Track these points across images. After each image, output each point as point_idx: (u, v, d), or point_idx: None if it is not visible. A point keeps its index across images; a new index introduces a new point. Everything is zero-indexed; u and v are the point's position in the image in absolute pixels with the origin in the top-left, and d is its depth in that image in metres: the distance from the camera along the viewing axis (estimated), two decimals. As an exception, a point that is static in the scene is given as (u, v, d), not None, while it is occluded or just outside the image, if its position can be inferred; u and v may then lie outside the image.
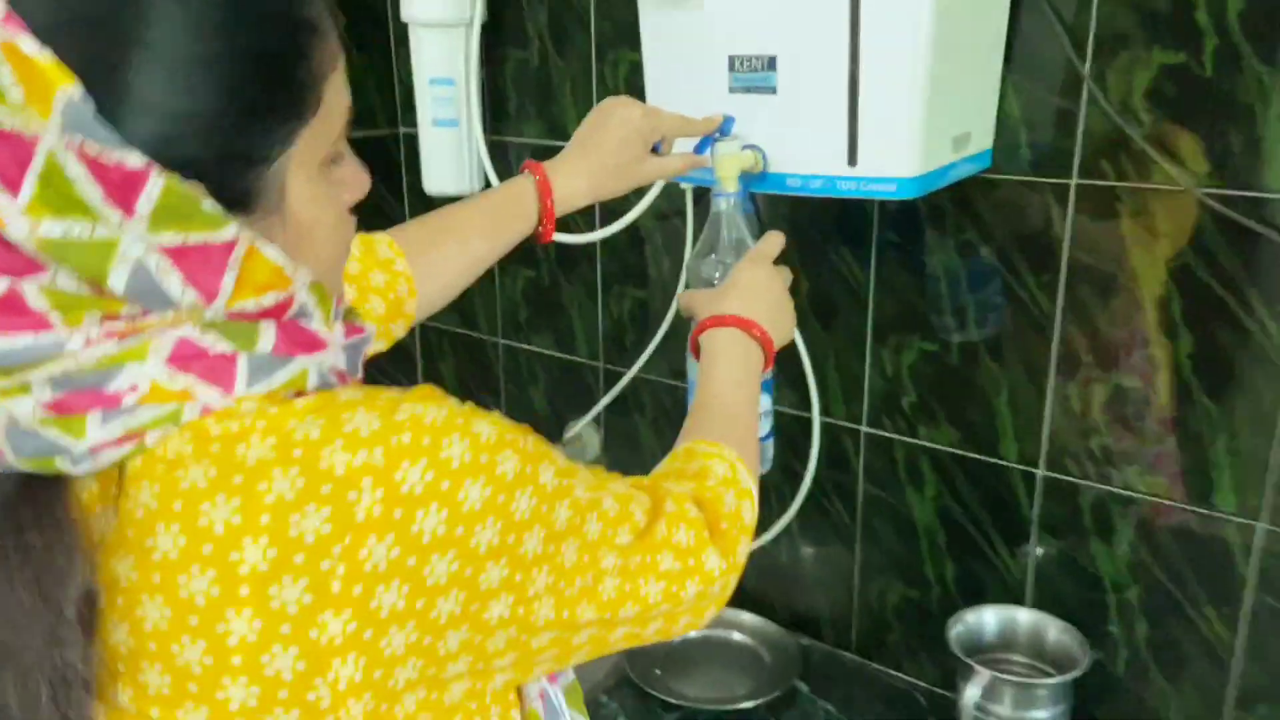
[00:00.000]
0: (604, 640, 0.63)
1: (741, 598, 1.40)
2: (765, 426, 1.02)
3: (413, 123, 1.46)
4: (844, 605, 1.34)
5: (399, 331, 0.90)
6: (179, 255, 0.46)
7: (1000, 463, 1.17)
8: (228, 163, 0.48)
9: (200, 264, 0.47)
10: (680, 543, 0.66)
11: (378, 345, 0.87)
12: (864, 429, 1.26)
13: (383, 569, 0.48)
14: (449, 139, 1.41)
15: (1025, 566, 1.18)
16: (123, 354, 0.47)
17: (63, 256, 0.44)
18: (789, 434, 1.32)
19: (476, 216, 0.92)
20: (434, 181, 1.45)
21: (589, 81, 1.36)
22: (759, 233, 0.98)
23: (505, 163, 1.47)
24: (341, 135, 0.54)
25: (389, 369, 1.67)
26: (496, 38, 1.42)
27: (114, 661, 0.49)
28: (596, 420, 1.51)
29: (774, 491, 1.36)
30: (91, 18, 0.43)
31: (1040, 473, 1.14)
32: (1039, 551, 1.16)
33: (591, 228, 1.39)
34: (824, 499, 1.32)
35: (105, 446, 0.47)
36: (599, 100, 1.06)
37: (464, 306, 1.62)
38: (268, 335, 0.50)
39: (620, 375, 1.45)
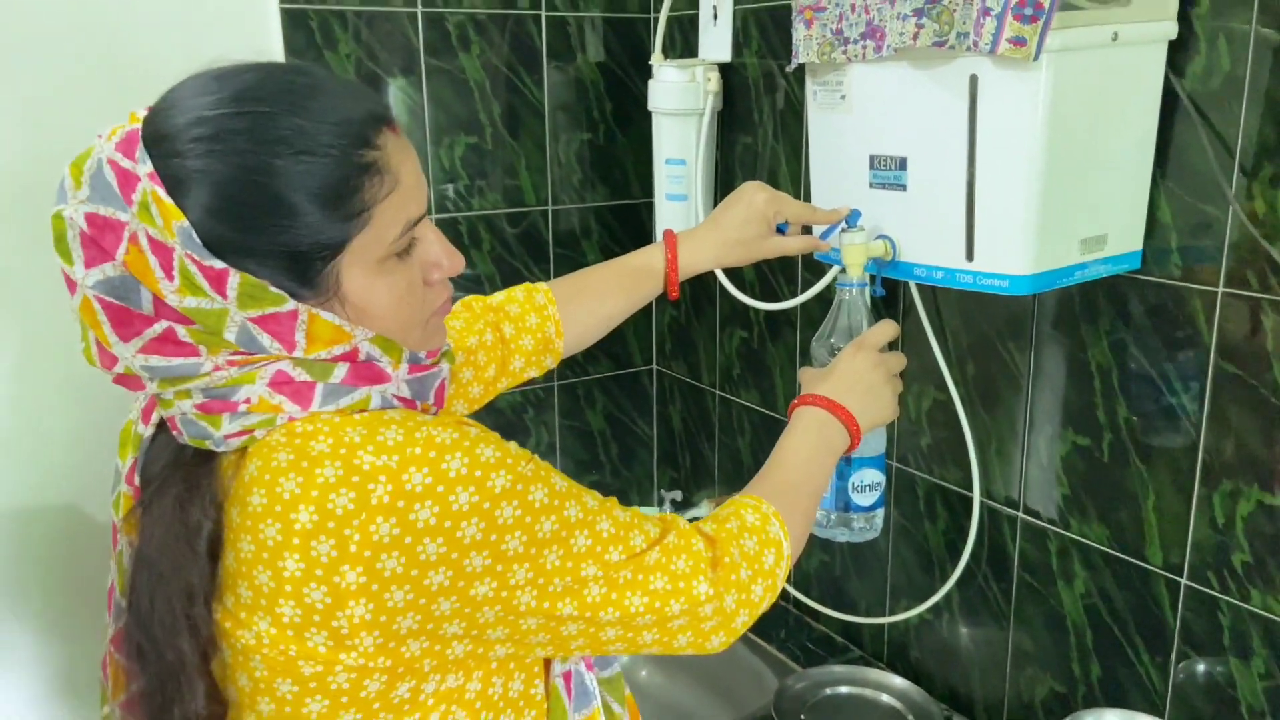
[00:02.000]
0: (596, 639, 0.77)
1: (899, 663, 1.46)
2: (874, 498, 1.11)
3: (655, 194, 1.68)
4: (998, 688, 1.35)
5: (549, 363, 1.11)
6: (262, 322, 0.69)
7: (1146, 566, 1.14)
8: (291, 270, 0.69)
9: (277, 327, 0.70)
10: (675, 569, 0.79)
11: (530, 372, 1.09)
12: (1021, 515, 1.28)
13: (386, 541, 0.67)
14: (679, 211, 1.61)
15: (1167, 676, 1.14)
16: (241, 378, 0.71)
17: (199, 318, 0.68)
18: (952, 509, 1.36)
19: (614, 277, 1.13)
20: (665, 247, 1.65)
21: (799, 163, 1.50)
22: (878, 318, 1.08)
23: (730, 234, 1.64)
24: (403, 237, 0.73)
25: (627, 406, 1.89)
26: (729, 124, 1.61)
27: (225, 577, 0.72)
28: (790, 475, 1.63)
29: (937, 566, 1.40)
30: (200, 177, 0.67)
31: (1184, 582, 1.11)
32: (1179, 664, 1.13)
33: (794, 294, 1.52)
34: (981, 580, 1.34)
35: (232, 436, 0.71)
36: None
37: (691, 359, 1.81)
38: (339, 372, 0.72)
39: (811, 435, 1.55)
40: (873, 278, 1.12)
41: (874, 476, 1.11)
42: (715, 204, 1.64)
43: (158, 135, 0.69)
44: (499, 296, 1.10)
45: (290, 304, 0.70)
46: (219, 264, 0.68)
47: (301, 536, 0.67)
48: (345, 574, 0.67)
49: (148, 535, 0.73)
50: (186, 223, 0.67)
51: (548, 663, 0.84)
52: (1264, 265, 0.99)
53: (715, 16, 1.57)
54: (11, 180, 1.35)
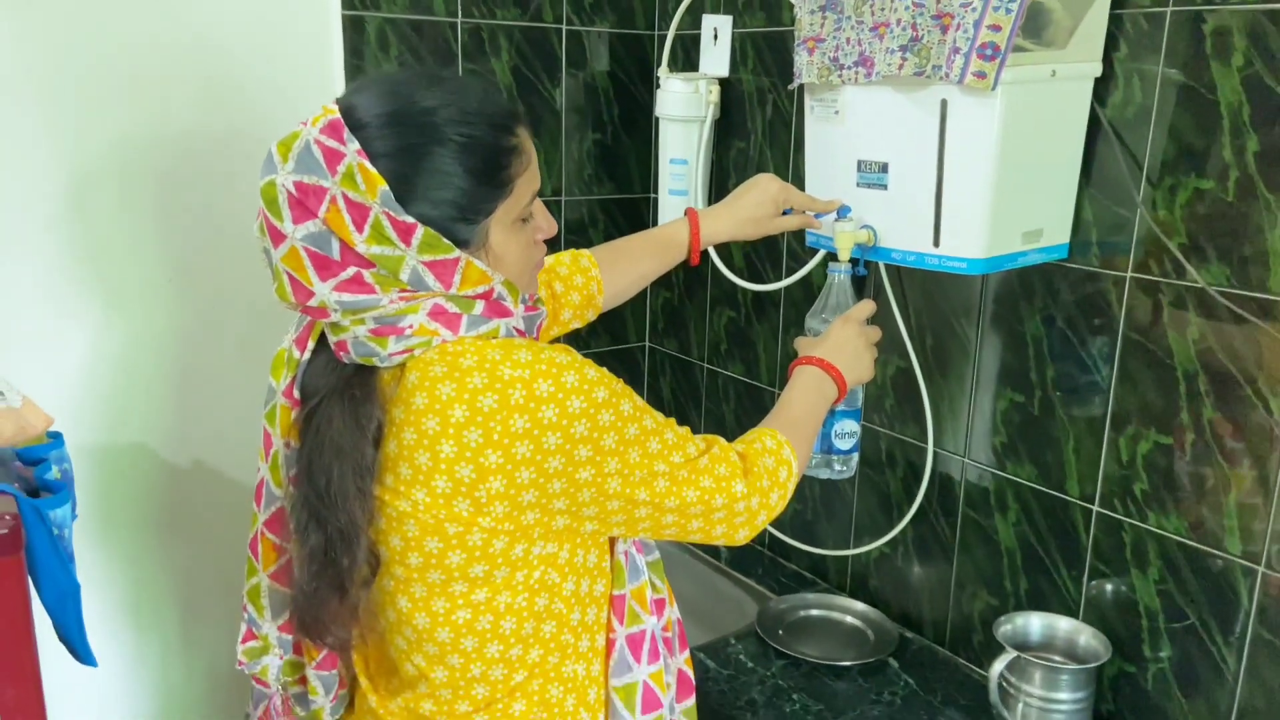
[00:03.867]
0: (658, 522, 1.01)
1: (860, 592, 1.72)
2: (851, 443, 1.37)
3: (658, 190, 1.92)
4: (943, 607, 1.63)
5: (590, 316, 1.36)
6: (431, 265, 0.92)
7: (1066, 498, 1.42)
8: (458, 224, 0.93)
9: (441, 270, 0.92)
10: (718, 472, 1.03)
11: (575, 324, 1.34)
12: (966, 460, 1.56)
13: (519, 432, 0.89)
14: (680, 205, 1.86)
15: (1081, 587, 1.42)
16: (407, 309, 0.93)
17: (381, 263, 0.91)
18: (908, 460, 1.63)
19: (648, 245, 1.38)
20: (665, 235, 1.90)
21: (788, 167, 1.76)
22: (860, 298, 1.35)
23: (722, 225, 1.90)
24: (530, 205, 0.99)
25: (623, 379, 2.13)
26: (726, 131, 1.86)
27: (385, 460, 0.94)
28: (768, 434, 1.89)
29: (895, 507, 1.67)
30: (396, 153, 0.90)
31: (1095, 509, 1.39)
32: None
33: (779, 278, 1.78)
34: (932, 517, 1.62)
35: (396, 354, 0.93)
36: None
37: (682, 336, 2.06)
38: (479, 307, 0.95)
39: (789, 400, 1.82)
40: (855, 261, 1.38)
41: (853, 426, 1.37)
42: (710, 200, 1.90)
43: (357, 123, 0.91)
44: (550, 259, 1.34)
45: (456, 253, 0.93)
46: (410, 219, 0.90)
47: (456, 427, 0.90)
48: (488, 455, 0.90)
49: (324, 426, 0.94)
50: (387, 187, 0.89)
51: (612, 544, 1.07)
52: (1164, 256, 1.27)
53: (715, 37, 1.82)
54: (108, 164, 1.54)
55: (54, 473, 1.25)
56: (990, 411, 1.51)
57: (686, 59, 1.91)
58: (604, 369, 0.97)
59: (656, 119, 1.86)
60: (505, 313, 0.97)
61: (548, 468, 0.92)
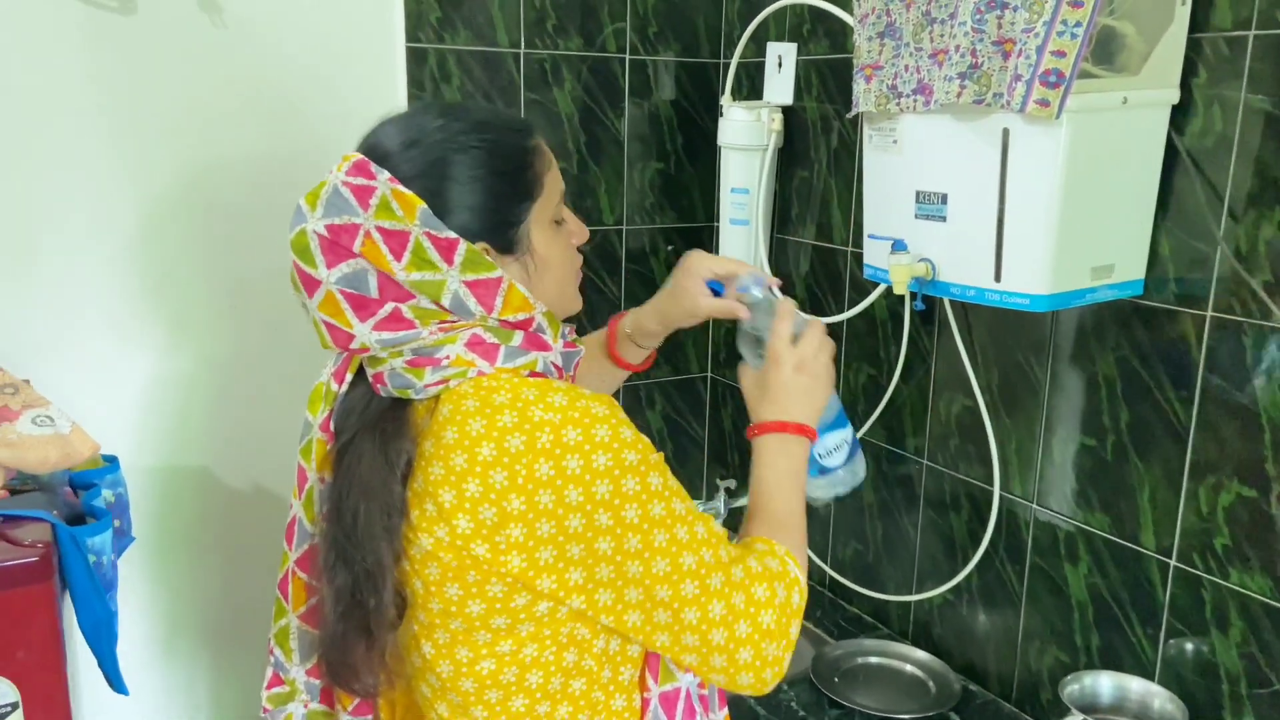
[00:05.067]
0: (678, 640, 0.90)
1: (922, 640, 1.64)
2: (843, 454, 1.16)
3: (720, 219, 1.89)
4: (1009, 660, 1.54)
5: None
6: (473, 286, 0.90)
7: (1141, 550, 1.33)
8: (499, 229, 0.92)
9: (484, 292, 0.90)
10: (755, 594, 0.91)
11: None
12: (1034, 506, 1.48)
13: (544, 480, 0.84)
14: (741, 234, 1.83)
15: (1157, 645, 1.33)
16: (445, 340, 0.91)
17: (421, 289, 0.89)
18: (973, 502, 1.56)
19: (590, 363, 1.26)
20: (726, 265, 1.87)
21: (851, 196, 1.71)
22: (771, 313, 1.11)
23: (785, 256, 1.86)
24: (560, 205, 0.97)
25: (684, 409, 2.10)
26: (789, 160, 1.82)
27: (413, 495, 0.91)
28: (830, 472, 1.83)
29: (959, 552, 1.60)
30: (425, 172, 0.89)
31: (1173, 563, 1.30)
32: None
33: (841, 310, 1.73)
34: (999, 564, 1.54)
35: (431, 385, 0.91)
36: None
37: (744, 366, 2.01)
38: (518, 337, 0.92)
39: (851, 436, 1.76)
40: (915, 295, 1.32)
41: (838, 438, 1.16)
42: (773, 229, 1.86)
43: (382, 155, 0.90)
44: None
45: (498, 272, 0.91)
46: (451, 234, 0.88)
47: (483, 466, 0.85)
48: (511, 500, 0.84)
49: (354, 463, 0.92)
50: (425, 206, 0.88)
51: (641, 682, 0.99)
52: (1246, 294, 1.19)
53: (780, 65, 1.79)
54: (176, 194, 1.58)
55: (105, 498, 1.27)
56: (1061, 455, 1.43)
57: (751, 87, 1.88)
58: (644, 437, 0.92)
59: (719, 147, 1.83)
60: (544, 346, 0.95)
61: (568, 526, 0.85)
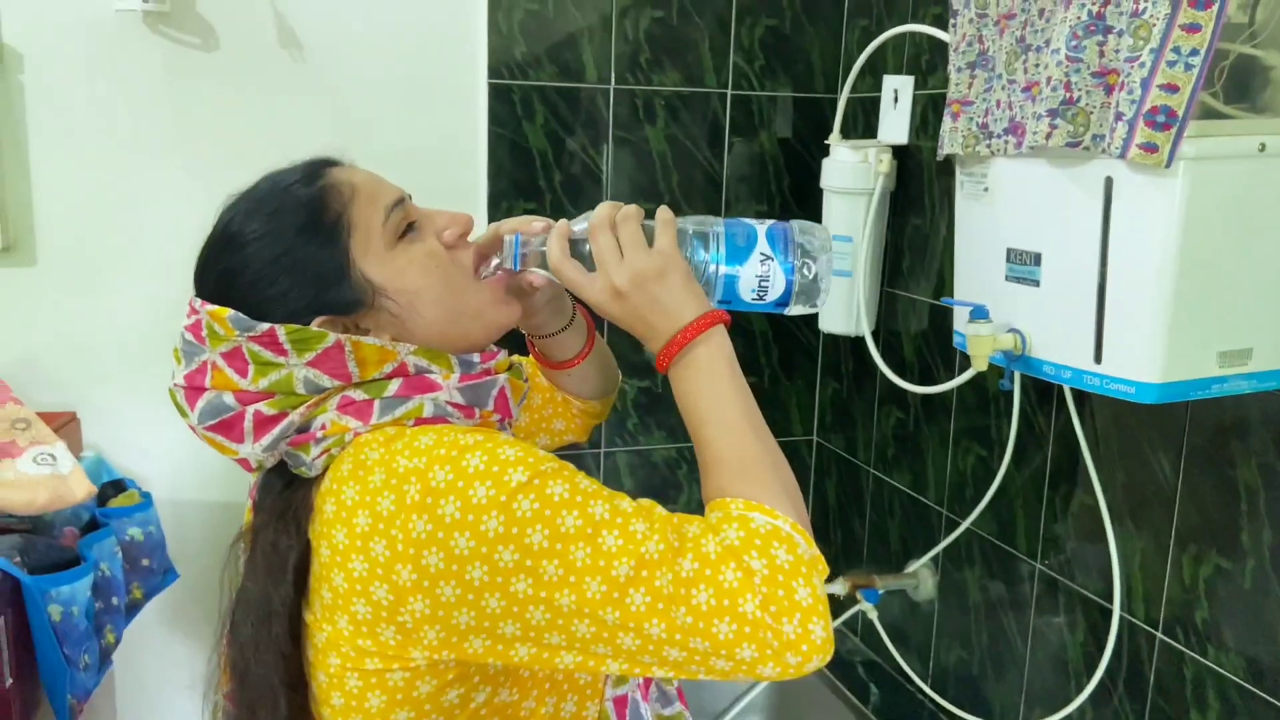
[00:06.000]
0: (664, 661, 0.72)
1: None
2: (782, 275, 0.86)
3: (824, 270, 1.71)
4: (1123, 818, 1.27)
5: (585, 420, 1.12)
6: (317, 363, 0.79)
7: (1289, 710, 1.05)
8: (327, 292, 0.80)
9: (330, 365, 0.79)
10: (723, 582, 0.71)
11: (570, 436, 1.11)
12: (1160, 635, 1.21)
13: (424, 538, 0.71)
14: (843, 287, 1.64)
15: (1305, 837, 1.04)
16: (317, 411, 0.80)
17: (277, 388, 0.79)
18: (1091, 620, 1.30)
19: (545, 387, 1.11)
20: (827, 321, 1.68)
21: (965, 252, 1.49)
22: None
23: (894, 313, 1.65)
24: (394, 217, 0.83)
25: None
26: (902, 205, 1.62)
27: (313, 582, 0.79)
28: (934, 562, 1.60)
29: (1073, 677, 1.34)
30: (220, 281, 0.81)
31: (1329, 734, 1.01)
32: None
33: (951, 377, 1.51)
34: (1117, 700, 1.27)
35: (317, 458, 0.80)
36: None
37: (849, 434, 1.81)
38: (393, 386, 0.80)
39: (957, 524, 1.53)
40: (1006, 374, 1.11)
41: (753, 267, 0.86)
42: (883, 282, 1.66)
43: (196, 282, 0.84)
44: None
45: (331, 337, 0.79)
46: (265, 325, 0.79)
47: (362, 539, 0.73)
48: (399, 571, 0.72)
49: (250, 562, 0.83)
50: (232, 312, 0.79)
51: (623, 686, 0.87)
52: None
53: (895, 100, 1.60)
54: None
55: (131, 536, 1.24)
56: (1192, 577, 1.16)
57: (866, 124, 1.70)
58: (535, 448, 0.76)
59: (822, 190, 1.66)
60: (430, 386, 0.81)
61: (470, 579, 0.71)
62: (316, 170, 0.85)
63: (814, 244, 0.87)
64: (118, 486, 1.39)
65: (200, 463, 1.60)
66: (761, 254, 0.85)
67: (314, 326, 0.81)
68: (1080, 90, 0.96)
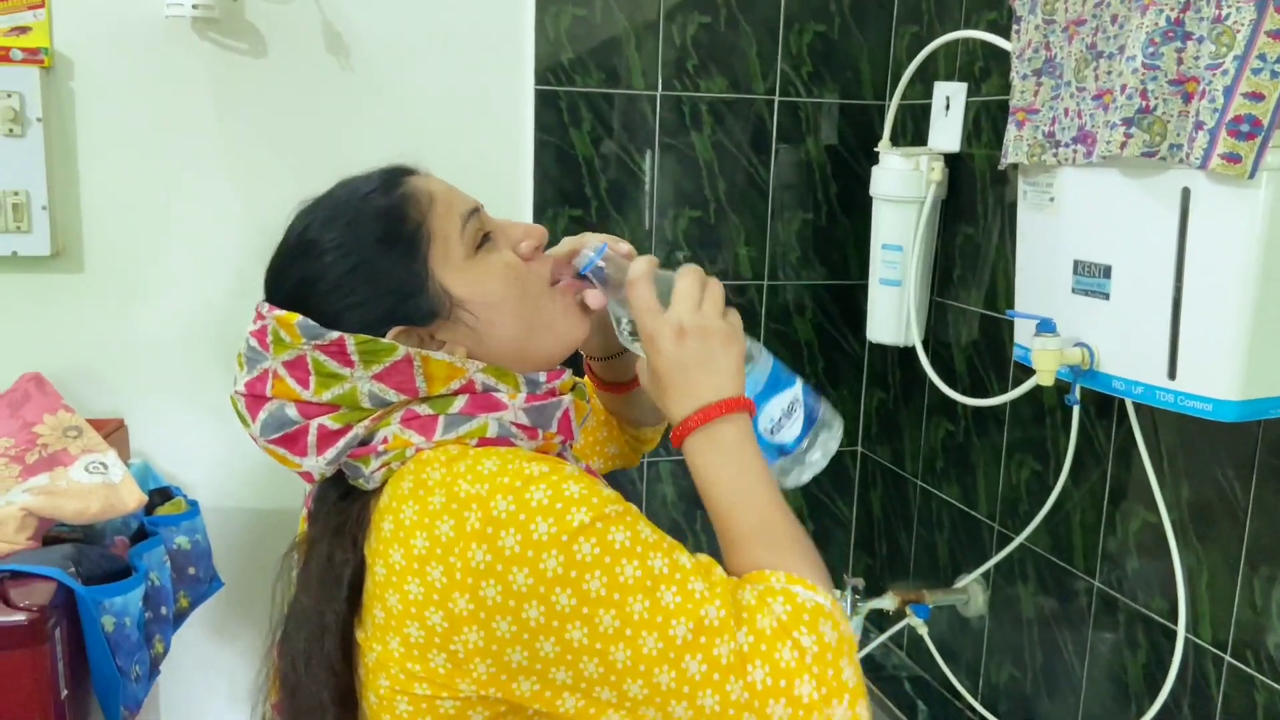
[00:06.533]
0: None
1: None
2: (799, 419, 0.89)
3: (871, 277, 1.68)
4: (1187, 845, 1.23)
5: (635, 448, 1.10)
6: (384, 377, 0.77)
7: (1369, 740, 1.02)
8: (405, 303, 0.78)
9: (398, 378, 0.77)
10: (780, 661, 0.69)
11: (619, 463, 1.09)
12: (1228, 659, 1.17)
13: (482, 569, 0.69)
14: (891, 296, 1.61)
15: None
16: (381, 424, 0.78)
17: (341, 402, 0.77)
18: (1154, 641, 1.27)
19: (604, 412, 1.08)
20: (875, 331, 1.65)
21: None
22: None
23: (944, 323, 1.62)
24: (470, 230, 0.81)
25: (828, 486, 1.89)
26: (953, 214, 1.59)
27: (366, 600, 0.75)
28: (985, 577, 1.57)
29: (1134, 700, 1.30)
30: (296, 287, 0.78)
31: None
32: None
33: (1004, 390, 1.48)
34: (1180, 721, 1.24)
35: (376, 471, 0.78)
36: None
37: (896, 445, 1.78)
38: (459, 403, 0.78)
39: (1010, 539, 1.49)
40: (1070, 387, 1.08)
41: (783, 402, 0.87)
42: (933, 291, 1.63)
43: (268, 288, 0.82)
44: None
45: (401, 350, 0.77)
46: (334, 334, 0.77)
47: (420, 561, 0.71)
48: (456, 600, 0.70)
49: (304, 574, 0.81)
50: (300, 318, 0.77)
51: None
52: None
53: (948, 107, 1.57)
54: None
55: (179, 544, 1.23)
56: (1263, 599, 1.12)
57: (916, 131, 1.67)
58: (602, 483, 0.75)
59: (872, 198, 1.63)
60: (495, 406, 0.79)
61: (526, 618, 0.69)
62: (395, 178, 0.83)
63: (831, 427, 0.89)
64: (163, 494, 1.38)
65: (243, 470, 1.60)
66: (794, 398, 0.87)
67: (388, 338, 0.79)
68: (1157, 99, 0.93)
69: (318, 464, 0.79)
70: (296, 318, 0.78)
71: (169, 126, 1.51)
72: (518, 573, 0.69)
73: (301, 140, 1.55)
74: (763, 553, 0.77)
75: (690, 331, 0.80)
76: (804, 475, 0.89)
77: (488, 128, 1.63)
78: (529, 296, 0.83)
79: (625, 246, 0.88)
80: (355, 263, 0.79)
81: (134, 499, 1.09)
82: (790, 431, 0.87)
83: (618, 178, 1.67)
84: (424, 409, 0.79)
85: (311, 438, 0.78)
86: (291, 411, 0.78)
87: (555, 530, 0.70)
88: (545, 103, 1.62)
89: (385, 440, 0.78)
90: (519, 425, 0.80)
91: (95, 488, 1.07)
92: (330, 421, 0.78)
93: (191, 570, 1.32)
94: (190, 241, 1.54)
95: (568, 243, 0.90)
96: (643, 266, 0.83)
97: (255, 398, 0.80)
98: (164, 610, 1.17)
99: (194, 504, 1.35)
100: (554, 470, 0.73)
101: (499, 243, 0.84)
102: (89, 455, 1.12)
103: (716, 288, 0.83)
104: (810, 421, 0.88)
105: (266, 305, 0.81)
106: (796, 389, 0.88)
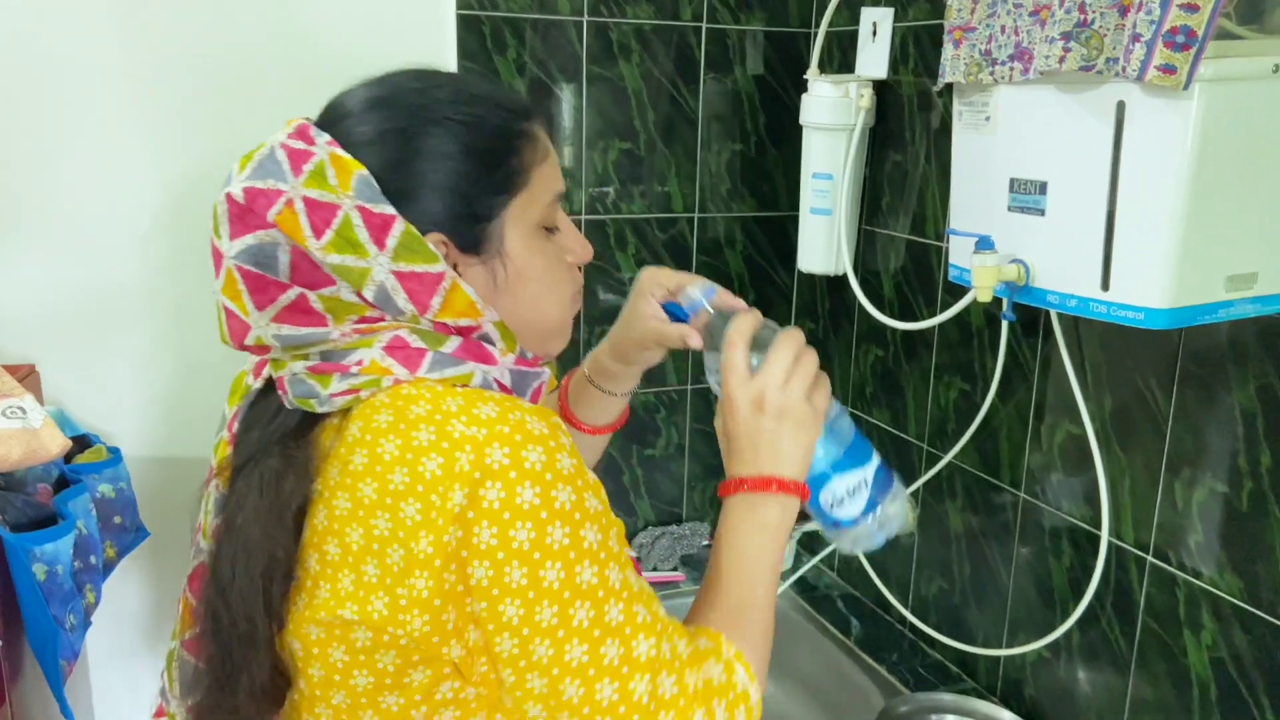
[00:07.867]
0: None
1: (1013, 700, 1.42)
2: (862, 500, 0.88)
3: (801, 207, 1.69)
4: (1111, 736, 1.31)
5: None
6: (405, 278, 0.73)
7: (1281, 625, 1.09)
8: (463, 221, 0.75)
9: (418, 286, 0.73)
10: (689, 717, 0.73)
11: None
12: (1150, 559, 1.23)
13: (455, 512, 0.67)
14: (822, 226, 1.62)
15: (1295, 746, 1.08)
16: (359, 342, 0.74)
17: (342, 275, 0.73)
18: (1079, 546, 1.32)
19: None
20: (806, 261, 1.67)
21: (948, 184, 1.48)
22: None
23: (874, 250, 1.64)
24: (552, 207, 0.80)
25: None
26: (881, 141, 1.61)
27: (311, 536, 0.71)
28: (914, 496, 1.61)
29: (1059, 604, 1.36)
30: (382, 137, 0.74)
31: (1321, 646, 1.05)
32: (1310, 733, 1.06)
33: (934, 314, 1.51)
34: (1105, 623, 1.30)
35: (337, 395, 0.73)
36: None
37: (826, 373, 1.81)
38: (450, 344, 0.75)
39: (939, 458, 1.54)
40: (1004, 300, 1.11)
41: (851, 482, 0.88)
42: (861, 220, 1.65)
43: (339, 117, 0.76)
44: None
45: (439, 265, 0.74)
46: (389, 209, 0.72)
47: (394, 496, 0.69)
48: (420, 539, 0.68)
49: (239, 502, 0.75)
50: (364, 173, 0.72)
51: None
52: None
53: (874, 33, 1.58)
54: (206, 174, 1.50)
55: (103, 493, 1.19)
56: (1184, 501, 1.18)
57: (843, 59, 1.67)
58: (586, 470, 0.73)
59: (802, 127, 1.63)
60: (485, 358, 0.76)
61: (470, 575, 0.68)
62: (529, 114, 0.80)
63: (894, 507, 0.89)
64: (82, 442, 1.32)
65: (162, 417, 1.54)
66: (863, 480, 0.87)
67: (428, 239, 0.74)
68: (1094, 12, 0.95)
69: (264, 329, 0.74)
70: (360, 168, 0.72)
71: (63, 60, 1.41)
72: (485, 529, 0.67)
73: (205, 73, 1.47)
74: (732, 627, 0.79)
75: (769, 408, 0.82)
76: (855, 548, 0.90)
77: (408, 52, 1.55)
78: (557, 291, 0.83)
79: (739, 302, 0.90)
80: (458, 155, 0.75)
81: (56, 444, 1.04)
82: (849, 510, 0.87)
83: (546, 107, 1.64)
84: (414, 340, 0.75)
85: (283, 297, 0.73)
86: (284, 256, 0.72)
87: (537, 503, 0.68)
88: (468, 27, 1.57)
89: (360, 363, 0.74)
90: (500, 383, 0.77)
91: (15, 433, 1.02)
92: (316, 299, 0.73)
93: (117, 519, 1.27)
94: (87, 180, 1.45)
95: (677, 276, 0.94)
96: (745, 327, 0.85)
97: (248, 212, 0.72)
98: (93, 559, 1.12)
99: (115, 451, 1.30)
100: (552, 434, 0.71)
101: (559, 236, 0.83)
102: (5, 400, 1.06)
103: (810, 363, 0.85)
104: (871, 507, 0.87)
105: (322, 134, 0.74)
106: (869, 470, 0.88)
